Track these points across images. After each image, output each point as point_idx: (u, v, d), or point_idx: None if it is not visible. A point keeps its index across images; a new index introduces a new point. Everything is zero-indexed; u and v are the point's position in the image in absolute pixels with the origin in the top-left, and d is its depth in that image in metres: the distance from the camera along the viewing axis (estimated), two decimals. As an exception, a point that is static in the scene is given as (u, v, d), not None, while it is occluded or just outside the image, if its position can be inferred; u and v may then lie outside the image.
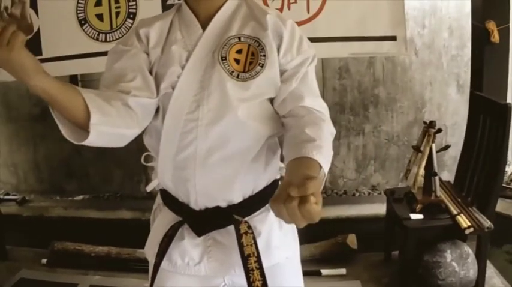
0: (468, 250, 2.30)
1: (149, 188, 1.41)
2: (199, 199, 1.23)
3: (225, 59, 1.16)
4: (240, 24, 1.21)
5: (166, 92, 1.17)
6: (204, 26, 1.21)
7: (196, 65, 1.18)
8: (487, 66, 2.62)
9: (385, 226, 2.71)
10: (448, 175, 3.36)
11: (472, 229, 2.20)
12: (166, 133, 1.19)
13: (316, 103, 1.19)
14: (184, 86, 1.17)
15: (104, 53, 2.60)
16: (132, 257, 2.92)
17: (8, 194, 4.03)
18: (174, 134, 1.18)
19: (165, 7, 2.60)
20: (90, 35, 2.74)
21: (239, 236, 1.22)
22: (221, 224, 1.26)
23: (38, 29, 2.82)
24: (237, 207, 1.25)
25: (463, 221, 2.23)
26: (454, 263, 2.24)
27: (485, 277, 2.38)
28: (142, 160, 1.38)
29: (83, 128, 1.04)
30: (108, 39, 2.71)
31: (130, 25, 2.66)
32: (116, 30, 2.70)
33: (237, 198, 1.25)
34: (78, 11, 2.73)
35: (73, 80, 3.74)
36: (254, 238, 1.23)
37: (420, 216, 2.34)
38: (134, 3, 2.66)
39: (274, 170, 1.32)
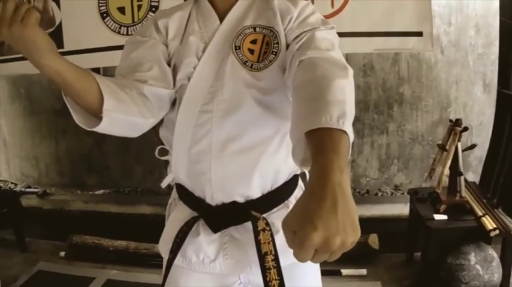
0: (493, 253, 2.24)
1: (164, 184, 1.38)
2: (216, 194, 1.20)
3: (239, 49, 1.14)
4: (256, 14, 1.19)
5: (182, 84, 1.16)
6: (221, 18, 1.19)
7: (213, 56, 1.16)
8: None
9: (408, 226, 2.66)
10: (473, 176, 3.30)
11: (497, 231, 2.15)
12: (180, 125, 1.17)
13: (325, 54, 1.05)
14: (199, 77, 1.15)
15: (125, 47, 2.68)
16: (150, 252, 2.93)
17: (29, 187, 4.10)
18: (187, 126, 1.16)
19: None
20: (112, 28, 2.77)
21: (256, 233, 1.17)
22: (238, 221, 1.22)
23: (60, 22, 2.88)
24: (255, 203, 1.21)
25: (489, 223, 2.18)
26: (478, 267, 2.18)
27: (510, 282, 2.32)
28: (156, 153, 1.34)
29: (96, 114, 1.02)
30: (130, 33, 2.75)
31: (152, 18, 2.68)
32: (137, 24, 2.73)
33: (255, 193, 1.21)
34: (100, 5, 2.77)
35: (96, 72, 3.79)
36: (272, 236, 1.18)
37: (444, 217, 2.29)
38: (157, -4, 2.68)
39: (295, 165, 1.25)
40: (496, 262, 2.21)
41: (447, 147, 2.38)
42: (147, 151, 3.86)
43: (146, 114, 1.12)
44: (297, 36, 1.12)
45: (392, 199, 3.64)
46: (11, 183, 4.22)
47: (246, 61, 1.14)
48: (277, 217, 1.22)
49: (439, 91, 3.66)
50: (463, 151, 2.36)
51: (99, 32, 2.78)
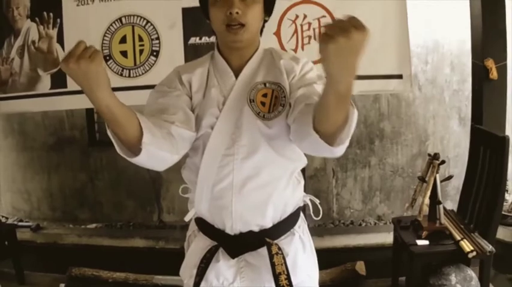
0: (471, 273, 2.50)
1: (187, 218, 1.57)
2: (235, 225, 1.42)
3: (253, 101, 1.37)
4: (265, 71, 1.42)
5: (206, 131, 1.37)
6: (236, 74, 1.42)
7: (232, 108, 1.38)
8: (487, 101, 2.87)
9: (392, 252, 2.91)
10: (451, 204, 3.59)
11: (474, 253, 2.40)
12: (205, 166, 1.39)
13: None
14: (222, 126, 1.37)
15: (128, 88, 2.96)
16: (149, 283, 3.09)
17: (21, 220, 4.24)
18: (212, 167, 1.38)
19: (187, 46, 2.89)
20: (115, 70, 3.02)
21: (271, 256, 1.41)
22: (254, 247, 1.45)
23: (64, 63, 3.11)
24: (267, 231, 1.45)
25: (466, 246, 2.45)
26: (458, 286, 2.45)
27: (488, 299, 2.59)
28: (180, 191, 1.56)
29: (132, 146, 1.17)
30: (131, 75, 3.00)
31: (153, 62, 2.96)
32: (139, 67, 2.98)
33: (268, 223, 1.44)
34: (103, 48, 3.02)
35: (89, 112, 4.02)
36: (284, 258, 1.42)
37: (426, 242, 2.55)
38: (158, 41, 2.95)
39: (299, 198, 1.53)
40: (475, 281, 2.47)
41: (426, 179, 2.67)
42: (138, 186, 4.11)
43: (173, 151, 1.28)
44: (298, 86, 1.36)
45: (375, 229, 3.93)
46: (2, 216, 4.36)
47: (259, 112, 1.37)
48: (285, 243, 1.47)
49: (417, 126, 3.99)
50: (441, 181, 2.64)
51: None
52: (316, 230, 3.74)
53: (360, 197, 4.12)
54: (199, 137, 1.39)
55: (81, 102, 3.06)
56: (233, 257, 1.46)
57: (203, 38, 2.87)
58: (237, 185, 1.39)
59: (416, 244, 2.55)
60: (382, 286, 3.03)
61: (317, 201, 1.60)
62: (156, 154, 1.22)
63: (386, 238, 3.44)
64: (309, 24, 2.83)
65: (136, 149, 1.17)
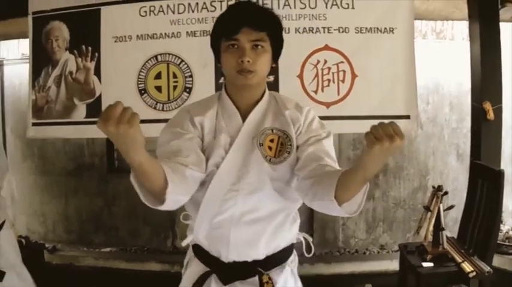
0: (471, 293, 2.96)
1: (184, 243, 1.72)
2: (231, 254, 1.59)
3: (262, 145, 1.54)
4: (272, 118, 1.60)
5: (212, 170, 1.52)
6: (243, 116, 1.58)
7: (239, 149, 1.54)
8: (484, 139, 3.37)
9: (399, 275, 3.36)
10: (449, 234, 4.02)
11: (474, 273, 2.82)
12: (207, 200, 1.54)
13: (336, 165, 1.50)
14: (228, 166, 1.52)
15: (161, 121, 3.39)
16: None
17: (36, 242, 4.56)
18: (215, 200, 1.54)
19: (218, 85, 3.32)
20: (149, 103, 3.44)
21: (261, 285, 1.60)
22: (246, 276, 1.62)
23: (100, 94, 3.50)
24: (260, 262, 1.62)
25: (467, 267, 2.87)
26: (460, 304, 2.90)
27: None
28: (181, 218, 1.73)
29: (156, 195, 1.28)
30: (165, 109, 3.42)
31: (186, 98, 3.39)
32: (172, 102, 3.41)
33: (261, 255, 1.61)
34: (139, 82, 3.44)
35: (109, 140, 4.41)
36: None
37: (431, 264, 2.99)
38: (191, 79, 3.39)
39: (293, 235, 1.71)
40: (474, 300, 2.94)
41: (431, 208, 3.14)
42: (154, 213, 4.44)
43: (187, 194, 1.44)
44: (306, 140, 1.56)
45: (379, 257, 4.35)
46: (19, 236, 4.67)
47: (267, 156, 1.54)
48: (276, 273, 1.65)
49: (418, 161, 4.46)
50: (444, 210, 3.12)
51: (136, 106, 3.26)
52: (324, 258, 4.14)
53: (364, 227, 4.54)
54: (208, 174, 1.54)
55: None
56: (225, 284, 1.62)
57: (233, 78, 3.31)
58: (235, 218, 1.55)
59: (422, 266, 2.99)
60: (389, 307, 3.46)
61: (310, 239, 1.78)
62: (176, 199, 1.36)
63: (389, 265, 3.89)
64: (329, 68, 3.30)
65: (159, 197, 1.28)
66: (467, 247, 3.18)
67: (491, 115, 3.32)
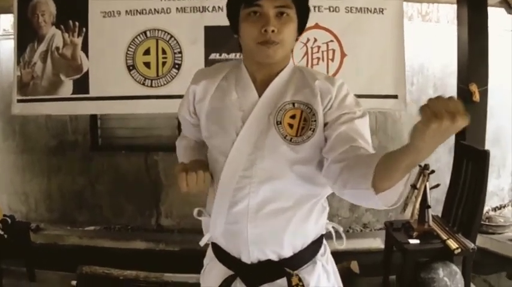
0: (456, 268, 3.00)
1: (202, 242, 1.54)
2: (252, 253, 1.39)
3: (280, 124, 1.33)
4: (294, 90, 1.38)
5: (224, 147, 1.38)
6: (259, 90, 1.38)
7: (252, 127, 1.35)
8: (470, 120, 3.44)
9: (384, 252, 3.43)
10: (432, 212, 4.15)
11: (459, 250, 2.91)
12: (221, 188, 1.38)
13: (371, 149, 1.28)
14: (240, 146, 1.35)
15: (150, 97, 3.36)
16: (159, 280, 3.39)
17: (21, 221, 4.50)
18: (228, 189, 1.37)
19: (207, 60, 3.32)
20: (137, 79, 3.42)
21: None
22: (272, 278, 1.41)
23: (87, 70, 3.47)
24: (287, 261, 1.40)
25: (452, 244, 2.95)
26: (445, 279, 2.95)
27: (469, 288, 3.12)
28: (194, 214, 1.54)
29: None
30: (153, 85, 3.41)
31: (175, 74, 3.39)
32: (161, 78, 3.40)
33: (287, 252, 1.40)
34: (128, 58, 3.42)
35: (93, 117, 4.38)
36: None
37: (417, 241, 3.07)
38: (180, 55, 3.38)
39: (322, 226, 1.47)
40: (459, 275, 2.97)
41: (417, 186, 3.21)
42: (138, 191, 4.48)
43: None
44: (337, 117, 1.32)
45: (362, 235, 4.46)
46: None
47: (286, 135, 1.32)
48: (307, 272, 1.42)
49: (402, 142, 4.41)
50: (430, 188, 3.19)
51: (125, 82, 3.40)
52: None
53: (347, 206, 4.62)
54: (218, 153, 1.42)
55: (102, 108, 3.50)
56: None
57: (223, 55, 3.32)
58: (252, 210, 1.36)
59: (409, 243, 3.06)
60: (374, 283, 3.51)
61: (340, 229, 1.55)
62: None
63: (372, 243, 4.00)
64: (318, 47, 3.34)
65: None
66: (452, 224, 3.26)
67: (477, 97, 3.39)
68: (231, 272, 1.45)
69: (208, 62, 3.32)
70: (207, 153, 1.51)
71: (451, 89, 3.81)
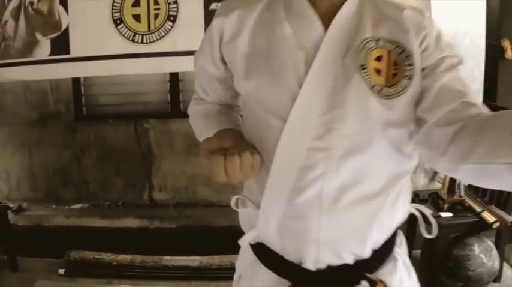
0: (491, 243, 2.71)
1: (242, 243, 1.18)
2: (322, 256, 1.03)
3: (365, 68, 0.95)
4: (372, 22, 1.00)
5: (284, 105, 0.98)
6: (324, 22, 0.99)
7: (324, 73, 0.96)
8: (501, 79, 3.12)
9: (407, 226, 3.09)
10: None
11: (498, 224, 2.62)
12: (278, 167, 1.00)
13: (482, 106, 0.94)
14: (307, 103, 0.96)
15: (140, 55, 2.94)
16: (158, 265, 3.07)
17: (-1, 202, 4.14)
18: (289, 169, 0.99)
19: (207, 11, 2.93)
20: (126, 35, 3.03)
21: None
22: (345, 286, 1.06)
23: (67, 27, 3.08)
24: (366, 262, 1.05)
25: (489, 217, 2.66)
26: (482, 255, 2.64)
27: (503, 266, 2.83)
28: (232, 204, 1.17)
29: None
30: (145, 41, 3.02)
31: (170, 28, 2.99)
32: (153, 32, 3.01)
33: (367, 252, 1.05)
34: (114, 11, 3.02)
35: (76, 85, 3.97)
36: None
37: (450, 214, 2.75)
38: (175, 6, 2.98)
39: (406, 211, 1.12)
40: (495, 251, 2.68)
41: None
42: (128, 163, 4.10)
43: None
44: (436, 63, 0.98)
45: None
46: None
47: (374, 85, 0.95)
48: (388, 273, 1.09)
49: None
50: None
51: (111, 39, 3.02)
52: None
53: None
54: (269, 115, 1.01)
55: (87, 70, 3.09)
56: None
57: (225, 5, 2.92)
58: (328, 198, 0.98)
59: (440, 216, 2.73)
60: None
61: (428, 212, 1.19)
62: None
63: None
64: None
65: None
66: (481, 194, 2.94)
67: (509, 54, 3.17)
68: (285, 282, 1.07)
69: (208, 13, 2.94)
70: (243, 119, 1.15)
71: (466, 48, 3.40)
